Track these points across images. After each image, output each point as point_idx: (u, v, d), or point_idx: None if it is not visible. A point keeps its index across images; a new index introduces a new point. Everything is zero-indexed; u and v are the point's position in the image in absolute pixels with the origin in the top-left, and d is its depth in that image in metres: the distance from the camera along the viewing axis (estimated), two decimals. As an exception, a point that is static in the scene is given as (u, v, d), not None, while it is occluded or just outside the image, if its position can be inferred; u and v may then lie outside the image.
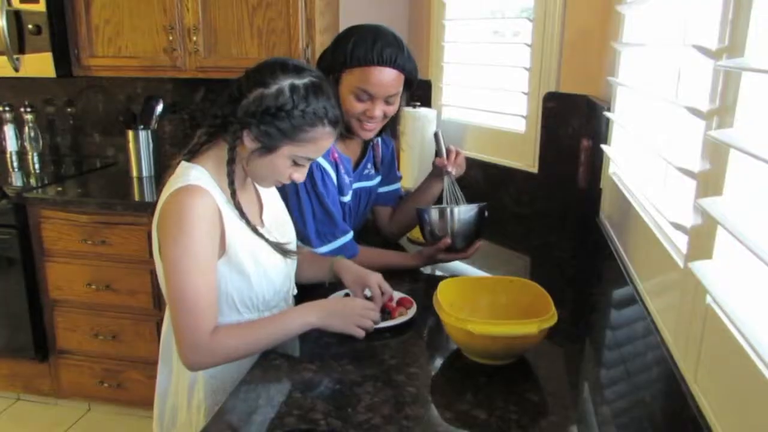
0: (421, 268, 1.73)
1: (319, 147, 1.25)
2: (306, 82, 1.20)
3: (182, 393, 1.33)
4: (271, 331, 1.23)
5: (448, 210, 1.63)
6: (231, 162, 1.22)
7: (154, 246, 1.26)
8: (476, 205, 1.65)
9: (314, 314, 1.27)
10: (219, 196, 1.22)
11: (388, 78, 1.54)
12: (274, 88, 1.18)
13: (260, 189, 1.41)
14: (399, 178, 1.97)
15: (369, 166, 1.81)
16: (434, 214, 1.65)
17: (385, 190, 1.91)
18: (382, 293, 1.41)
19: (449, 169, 1.72)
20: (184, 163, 1.25)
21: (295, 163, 1.25)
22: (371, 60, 1.53)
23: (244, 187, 1.33)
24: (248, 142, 1.21)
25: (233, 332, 1.20)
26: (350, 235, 1.65)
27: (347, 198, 1.71)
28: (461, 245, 1.65)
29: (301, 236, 1.59)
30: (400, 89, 1.60)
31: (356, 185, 1.76)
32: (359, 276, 1.45)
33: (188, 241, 1.15)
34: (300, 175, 1.28)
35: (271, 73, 1.20)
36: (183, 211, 1.15)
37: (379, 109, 1.57)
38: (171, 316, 1.21)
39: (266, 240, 1.30)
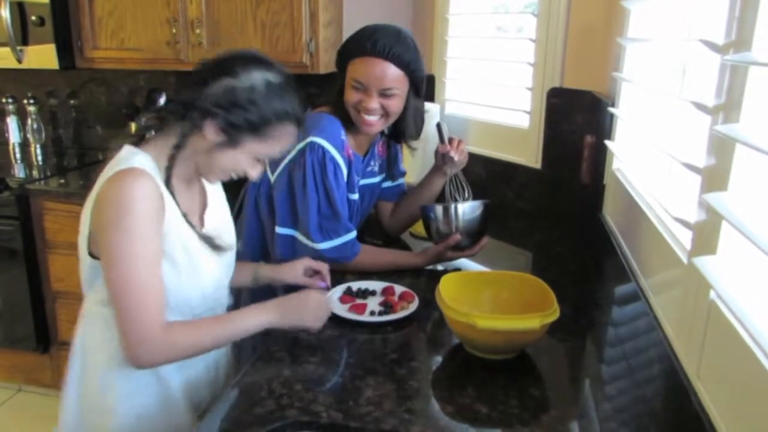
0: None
1: (282, 145, 1.21)
2: (280, 79, 1.17)
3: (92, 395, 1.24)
4: (228, 331, 1.18)
5: (453, 207, 1.62)
6: (177, 147, 1.15)
7: (81, 234, 1.18)
8: (481, 201, 1.65)
9: (270, 313, 1.21)
10: (161, 184, 1.14)
11: (379, 69, 1.53)
12: (246, 81, 1.13)
13: (208, 189, 1.33)
14: (403, 174, 1.97)
15: (372, 162, 1.81)
16: (440, 211, 1.64)
17: (388, 186, 1.91)
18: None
19: (452, 154, 1.71)
20: (127, 147, 1.17)
21: (256, 160, 1.21)
22: (364, 50, 1.53)
23: (188, 182, 1.25)
24: (211, 134, 1.14)
25: (189, 329, 1.14)
26: (354, 233, 1.64)
27: (355, 196, 1.70)
28: (467, 243, 1.65)
29: (303, 229, 1.59)
30: (401, 86, 1.58)
31: (361, 182, 1.76)
32: (291, 266, 1.48)
33: (133, 225, 1.06)
34: (256, 173, 1.23)
35: (243, 64, 1.15)
36: (125, 194, 1.07)
37: (374, 101, 1.56)
38: (116, 309, 1.10)
39: (197, 233, 1.22)
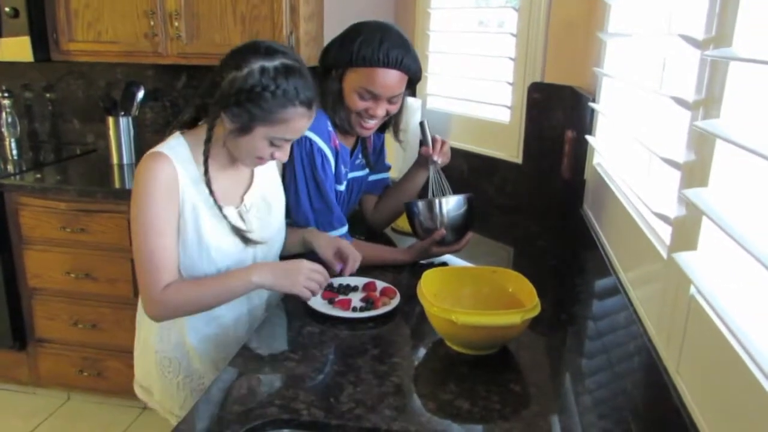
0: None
1: (293, 128, 1.26)
2: (276, 65, 1.22)
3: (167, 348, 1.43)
4: (216, 291, 1.29)
5: (437, 202, 1.62)
6: (207, 141, 1.27)
7: None
8: (464, 196, 1.65)
9: (260, 274, 1.29)
10: (190, 168, 1.28)
11: (393, 80, 1.54)
12: (245, 71, 1.21)
13: (256, 171, 1.44)
14: (388, 168, 1.96)
15: (360, 156, 1.80)
16: (424, 207, 1.64)
17: (373, 179, 1.90)
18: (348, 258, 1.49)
19: (435, 158, 1.71)
20: (176, 133, 1.33)
21: (273, 144, 1.28)
22: (377, 61, 1.52)
23: (230, 166, 1.37)
24: (227, 123, 1.25)
25: (181, 289, 1.27)
26: (346, 226, 1.65)
27: (342, 187, 1.70)
28: (452, 238, 1.65)
29: (297, 222, 1.59)
30: (404, 89, 1.60)
31: (350, 175, 1.75)
32: (330, 240, 1.52)
33: (146, 202, 1.23)
34: (282, 154, 1.31)
35: (243, 56, 1.23)
36: (143, 174, 1.24)
37: (381, 109, 1.57)
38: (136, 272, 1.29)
39: (229, 223, 1.33)
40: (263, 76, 1.21)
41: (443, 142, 1.74)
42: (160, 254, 1.25)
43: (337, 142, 1.64)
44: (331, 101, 1.60)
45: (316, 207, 1.59)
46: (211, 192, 1.29)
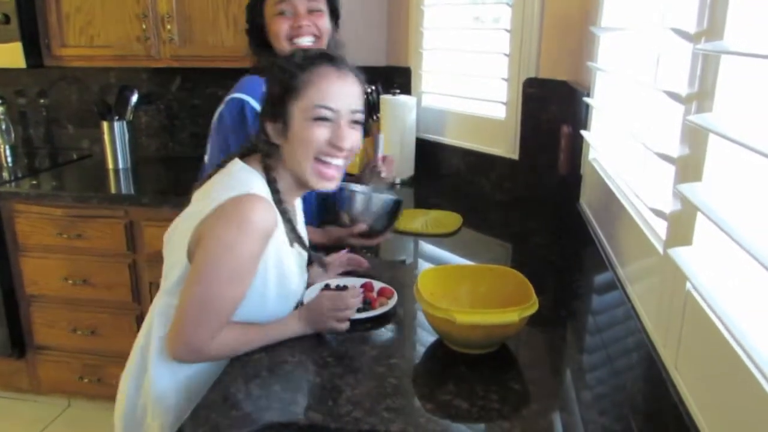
0: (404, 257, 1.72)
1: (321, 87, 1.16)
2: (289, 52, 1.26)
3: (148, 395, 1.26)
4: (257, 343, 1.21)
5: (373, 197, 1.65)
6: (269, 169, 1.21)
7: (178, 240, 1.19)
8: (394, 198, 1.67)
9: (300, 325, 1.25)
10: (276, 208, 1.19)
11: None
12: (268, 68, 1.24)
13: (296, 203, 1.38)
14: None
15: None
16: (361, 199, 1.66)
17: None
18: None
19: (380, 168, 1.78)
20: (238, 163, 1.21)
21: (319, 121, 1.17)
22: None
23: (293, 202, 1.32)
24: (270, 130, 1.20)
25: (227, 341, 1.17)
26: None
27: None
28: (375, 231, 1.66)
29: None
30: (324, 6, 1.63)
31: None
32: (338, 257, 1.53)
33: (239, 252, 1.11)
34: (337, 136, 1.18)
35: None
36: (245, 221, 1.10)
37: (304, 19, 1.59)
38: (180, 307, 1.15)
39: (308, 251, 1.32)
40: (285, 58, 1.21)
41: (391, 161, 1.81)
42: (228, 305, 1.15)
43: None
44: (262, 47, 1.65)
45: None
46: (293, 227, 1.23)
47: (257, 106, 1.57)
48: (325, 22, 1.63)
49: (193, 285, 1.13)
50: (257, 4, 1.64)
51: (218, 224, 1.12)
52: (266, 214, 1.13)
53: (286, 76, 1.18)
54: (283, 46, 1.61)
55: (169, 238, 1.25)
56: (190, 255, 1.17)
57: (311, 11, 1.60)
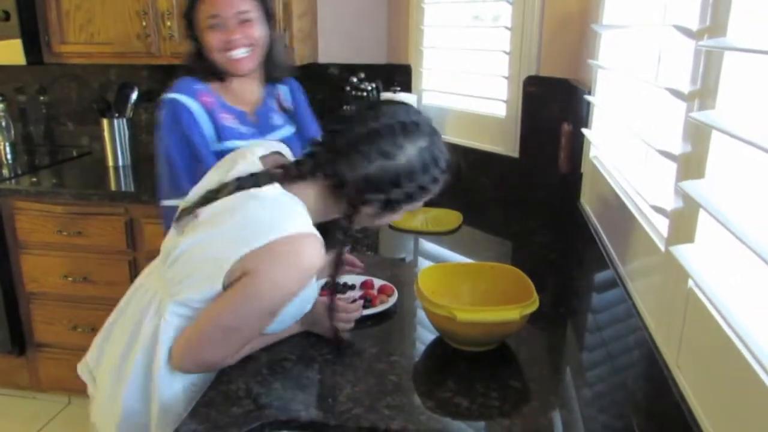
0: (404, 255, 1.72)
1: (436, 191, 1.22)
2: (430, 145, 1.15)
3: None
4: (259, 347, 1.23)
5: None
6: (345, 233, 1.14)
7: (213, 253, 1.10)
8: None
9: (297, 327, 1.27)
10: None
11: None
12: (402, 160, 1.11)
13: None
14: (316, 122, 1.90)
15: (272, 114, 1.75)
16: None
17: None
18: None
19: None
20: (285, 193, 1.12)
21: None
22: None
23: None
24: (369, 210, 1.14)
25: (236, 356, 1.17)
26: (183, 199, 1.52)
27: (236, 143, 1.61)
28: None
29: (176, 185, 1.57)
30: (253, 9, 1.60)
31: (269, 137, 1.71)
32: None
33: (285, 291, 1.08)
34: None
35: (393, 141, 1.11)
36: (299, 265, 1.06)
37: (236, 34, 1.57)
38: (201, 325, 1.10)
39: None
40: (424, 160, 1.14)
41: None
42: (255, 334, 1.15)
43: (211, 98, 1.63)
44: (196, 54, 1.64)
45: (190, 165, 1.56)
46: (337, 272, 1.18)
47: (192, 105, 1.59)
48: (256, 30, 1.60)
49: (224, 311, 1.09)
50: (190, 16, 1.62)
51: (269, 262, 1.06)
52: (319, 258, 1.09)
53: (431, 187, 1.18)
54: (216, 58, 1.60)
55: (190, 250, 1.13)
56: (227, 282, 1.09)
57: (242, 22, 1.57)
